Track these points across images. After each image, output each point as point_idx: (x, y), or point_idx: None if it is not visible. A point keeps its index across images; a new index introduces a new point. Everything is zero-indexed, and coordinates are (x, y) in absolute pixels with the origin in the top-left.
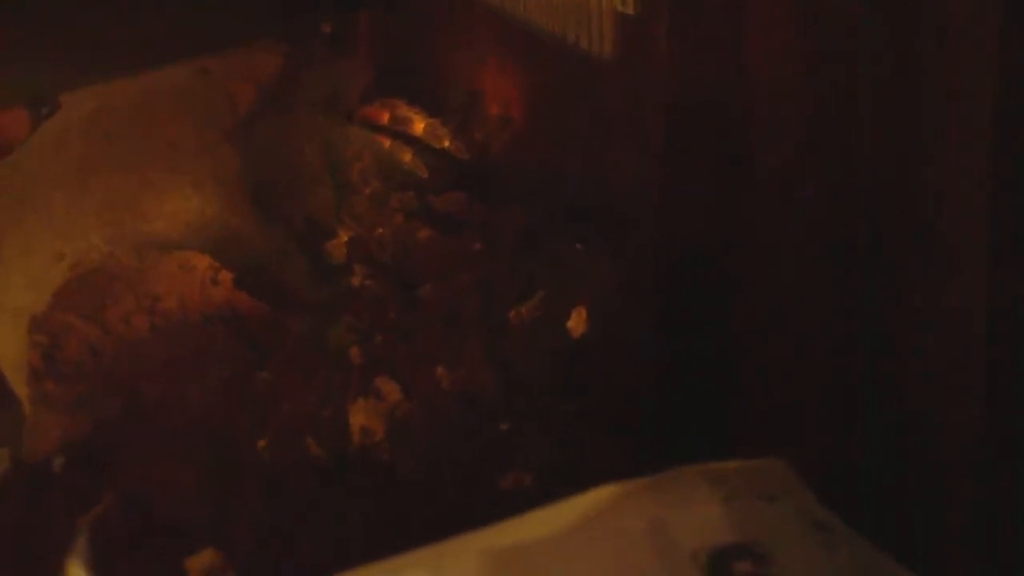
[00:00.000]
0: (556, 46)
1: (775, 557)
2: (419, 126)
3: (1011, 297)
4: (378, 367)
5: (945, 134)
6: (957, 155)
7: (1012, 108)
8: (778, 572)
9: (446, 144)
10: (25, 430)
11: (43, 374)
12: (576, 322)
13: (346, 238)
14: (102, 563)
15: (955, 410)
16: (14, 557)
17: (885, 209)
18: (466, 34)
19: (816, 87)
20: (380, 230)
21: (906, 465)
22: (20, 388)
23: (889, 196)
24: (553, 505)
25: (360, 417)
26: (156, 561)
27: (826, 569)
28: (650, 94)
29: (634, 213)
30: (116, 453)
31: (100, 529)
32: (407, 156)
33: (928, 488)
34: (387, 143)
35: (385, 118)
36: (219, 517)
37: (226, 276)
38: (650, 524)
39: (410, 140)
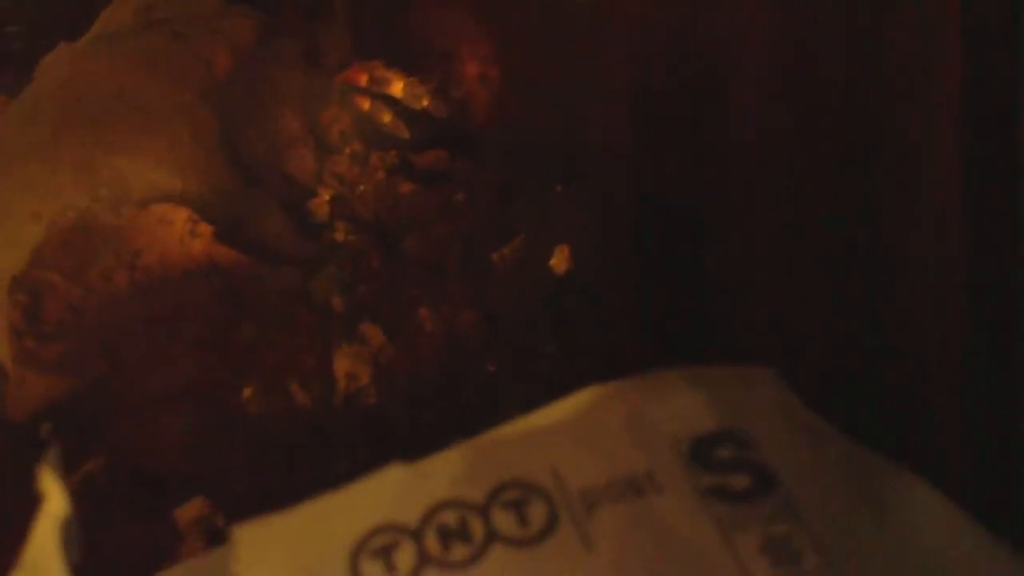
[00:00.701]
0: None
1: (759, 444)
2: (397, 87)
3: (985, 205)
4: (361, 314)
5: (912, 59)
6: (926, 69)
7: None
8: (762, 457)
9: (425, 103)
10: (7, 390)
11: (24, 333)
12: (559, 260)
13: (328, 196)
14: (92, 520)
15: (936, 315)
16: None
17: (856, 127)
18: None
19: (786, 25)
20: (362, 187)
21: (889, 371)
22: (3, 348)
23: (859, 112)
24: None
25: (344, 363)
26: (145, 514)
27: (814, 461)
28: (621, 42)
29: (611, 157)
30: (101, 410)
31: (88, 486)
32: (387, 117)
33: (912, 393)
34: (366, 104)
35: (364, 80)
36: (206, 467)
37: (205, 229)
38: (629, 416)
39: (389, 101)
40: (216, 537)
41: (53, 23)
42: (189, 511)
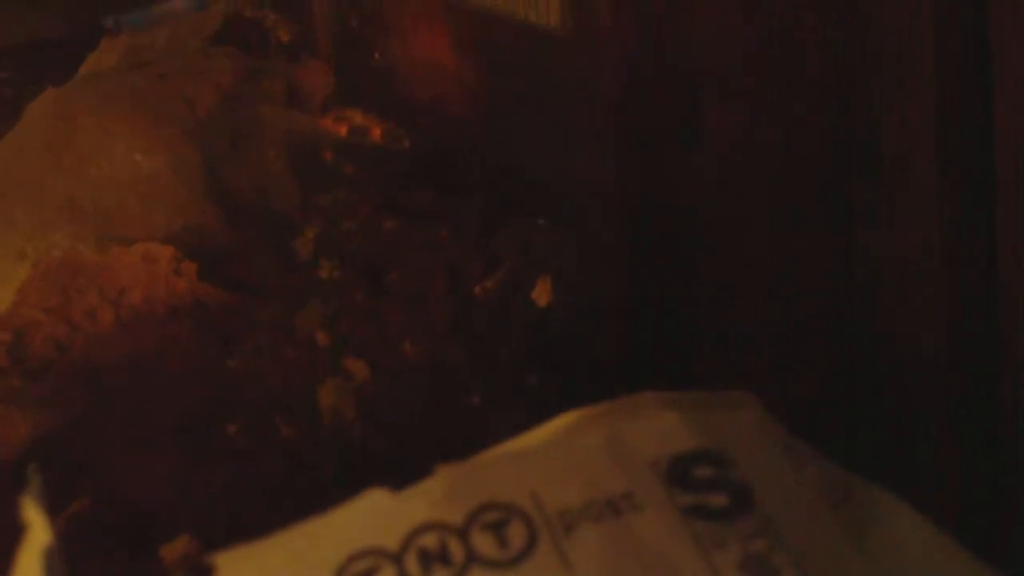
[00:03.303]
0: (509, 27)
1: (737, 463)
2: (377, 133)
3: (961, 218)
4: (345, 348)
5: (889, 68)
6: (900, 82)
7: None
8: (740, 476)
9: (406, 144)
10: None
11: (9, 371)
12: (540, 292)
13: (312, 234)
14: (79, 558)
15: (918, 330)
16: None
17: (833, 146)
18: (423, 30)
19: (759, 36)
20: (347, 224)
21: (872, 391)
22: None
23: (836, 130)
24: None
25: (329, 397)
26: (132, 552)
27: (792, 480)
28: (598, 66)
29: (593, 187)
30: (86, 447)
31: (75, 526)
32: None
33: (894, 414)
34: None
35: (343, 131)
36: (193, 504)
37: (189, 267)
38: (608, 437)
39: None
40: (202, 574)
41: (42, 70)
42: (175, 549)
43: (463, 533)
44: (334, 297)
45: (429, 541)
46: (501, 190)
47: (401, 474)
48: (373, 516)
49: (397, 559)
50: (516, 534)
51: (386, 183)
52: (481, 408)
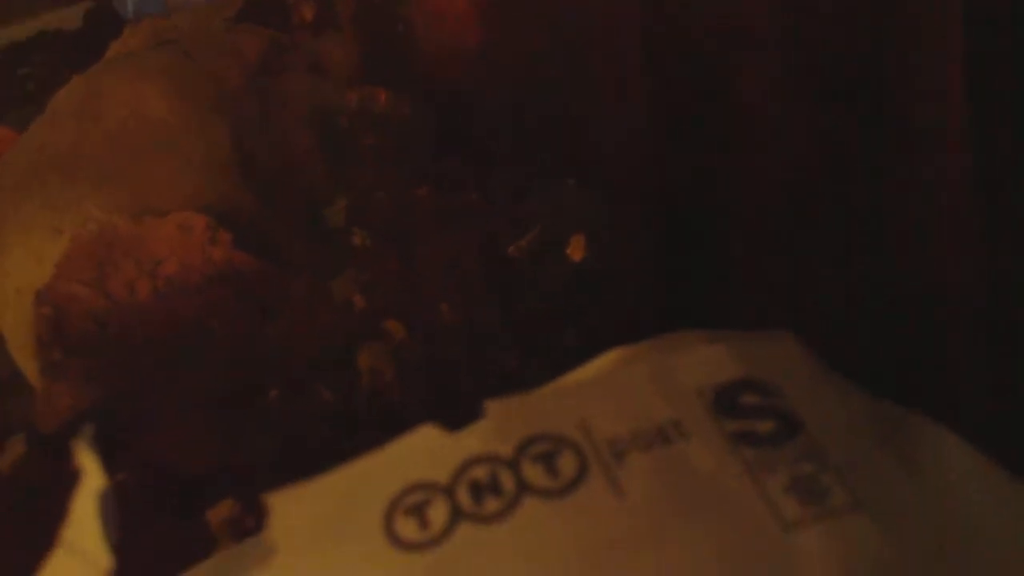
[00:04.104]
0: None
1: (782, 391)
2: (403, 104)
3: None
4: (382, 311)
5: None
6: (931, 42)
7: None
8: (787, 404)
9: (433, 114)
10: (36, 402)
11: (50, 344)
12: (575, 248)
13: (343, 204)
14: (126, 527)
15: (954, 277)
16: (36, 534)
17: (862, 99)
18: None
19: (795, 9)
20: (378, 193)
21: (908, 327)
22: (29, 363)
23: (868, 88)
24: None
25: (367, 359)
26: (179, 518)
27: (837, 407)
28: (624, 27)
29: (623, 147)
30: (129, 419)
31: (121, 494)
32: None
33: (932, 347)
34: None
35: (370, 103)
36: (237, 469)
37: (225, 236)
38: (653, 370)
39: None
40: (248, 537)
41: (64, 62)
42: (220, 512)
43: (514, 464)
44: (369, 264)
45: (480, 473)
46: (530, 154)
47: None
48: (423, 451)
49: (449, 491)
50: (567, 464)
51: (415, 152)
52: (518, 366)
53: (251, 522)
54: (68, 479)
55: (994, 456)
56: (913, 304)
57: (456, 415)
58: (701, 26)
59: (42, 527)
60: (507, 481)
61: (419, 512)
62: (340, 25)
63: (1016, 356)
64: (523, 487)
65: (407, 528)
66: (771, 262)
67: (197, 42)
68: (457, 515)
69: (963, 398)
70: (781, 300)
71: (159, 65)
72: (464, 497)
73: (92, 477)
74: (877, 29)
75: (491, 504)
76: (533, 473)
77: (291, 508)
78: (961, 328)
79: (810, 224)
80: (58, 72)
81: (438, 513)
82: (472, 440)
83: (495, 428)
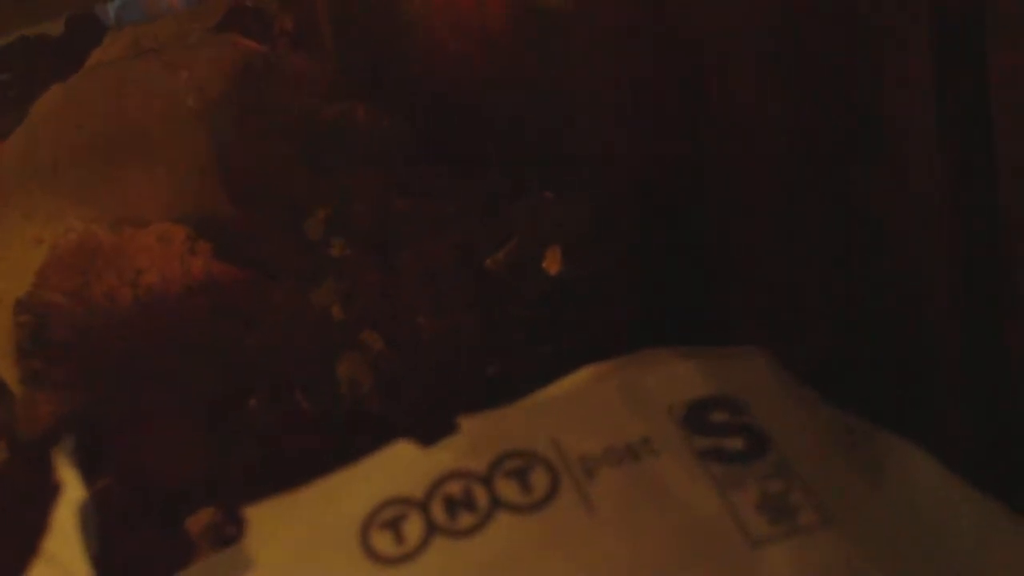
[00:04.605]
0: (510, 4)
1: (752, 409)
2: (383, 116)
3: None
4: (361, 322)
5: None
6: (898, 43)
7: None
8: (756, 421)
9: (412, 126)
10: (16, 411)
11: (30, 353)
12: (551, 261)
13: (323, 215)
14: (106, 535)
15: (925, 283)
16: (16, 541)
17: (837, 110)
18: (425, 13)
19: (774, 11)
20: (357, 204)
21: (879, 345)
22: (10, 371)
23: (840, 94)
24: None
25: (346, 369)
26: (159, 526)
27: (806, 424)
28: (609, 38)
29: (602, 157)
30: (110, 427)
31: (101, 502)
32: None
33: (903, 366)
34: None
35: (349, 114)
36: (217, 478)
37: (204, 246)
38: (624, 387)
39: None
40: (227, 545)
41: (45, 70)
42: (200, 520)
43: (487, 480)
44: (348, 274)
45: (454, 488)
46: (509, 166)
47: (420, 443)
48: (399, 466)
49: (423, 506)
50: (539, 480)
51: (394, 164)
52: (497, 377)
53: (232, 530)
54: (50, 489)
55: (969, 463)
56: (887, 303)
57: (433, 427)
58: (685, 28)
59: (24, 536)
60: (481, 497)
61: (395, 527)
62: (320, 36)
63: (990, 352)
64: (496, 503)
65: (383, 542)
66: (753, 276)
67: (178, 51)
68: (432, 530)
69: (932, 414)
70: (757, 309)
71: (139, 74)
72: (439, 512)
73: (72, 489)
74: (850, 25)
75: (465, 519)
76: (506, 489)
77: (269, 521)
78: (935, 320)
79: (787, 228)
80: (39, 79)
81: (413, 528)
82: (446, 456)
83: (469, 444)
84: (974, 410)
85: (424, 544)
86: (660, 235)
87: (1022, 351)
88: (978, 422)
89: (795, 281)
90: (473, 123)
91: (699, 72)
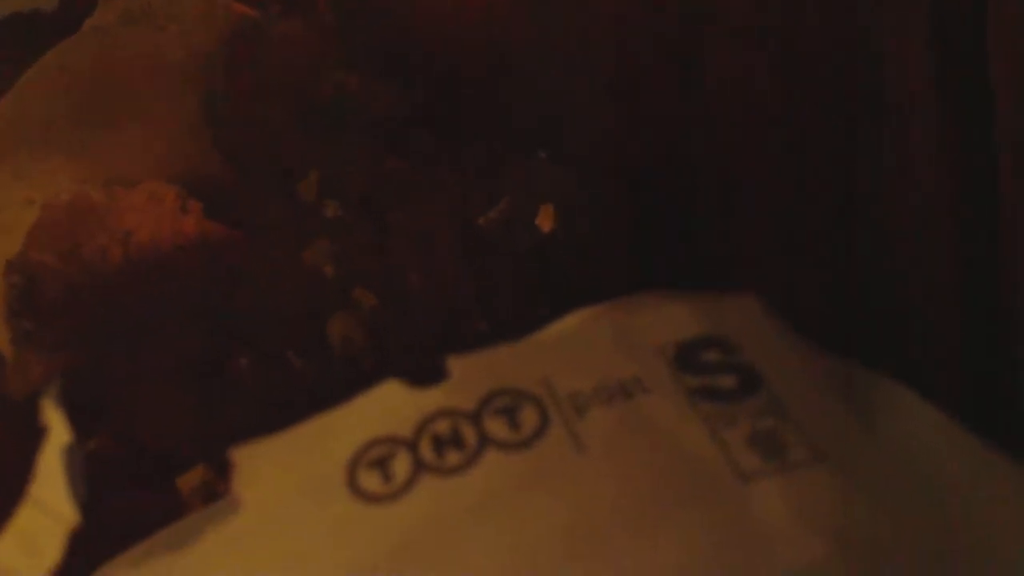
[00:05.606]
0: None
1: (744, 348)
2: (377, 81)
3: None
4: (353, 280)
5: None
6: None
7: None
8: (748, 360)
9: (406, 89)
10: (7, 371)
11: (20, 313)
12: (544, 218)
13: (316, 177)
14: (98, 495)
15: (923, 250)
16: (5, 491)
17: (833, 80)
18: None
19: None
20: (350, 167)
21: (874, 301)
22: (0, 333)
23: (836, 66)
24: None
25: (338, 327)
26: (149, 486)
27: (799, 365)
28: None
29: (592, 121)
30: (101, 388)
31: (92, 463)
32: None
33: (897, 323)
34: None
35: (343, 77)
36: (208, 437)
37: (195, 205)
38: (615, 328)
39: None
40: (219, 496)
41: (39, 45)
42: (191, 479)
43: (475, 418)
44: (340, 234)
45: (442, 427)
46: (502, 129)
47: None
48: (387, 406)
49: (411, 445)
50: (528, 417)
51: (389, 128)
52: (488, 334)
53: (223, 488)
54: (38, 439)
55: (963, 419)
56: (883, 275)
57: (424, 372)
58: (674, 9)
59: (11, 484)
60: (469, 434)
61: (382, 465)
62: (317, 4)
63: (986, 322)
64: (484, 440)
65: (370, 481)
66: (740, 232)
67: (170, 16)
68: (420, 468)
69: (931, 364)
70: (750, 268)
71: (129, 37)
72: (427, 450)
73: (57, 433)
74: (845, 7)
75: (453, 457)
76: (495, 426)
77: (256, 462)
78: (931, 296)
79: (779, 193)
80: (34, 56)
81: (400, 466)
82: (435, 395)
83: (458, 383)
84: (969, 361)
85: (411, 482)
86: (650, 201)
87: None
88: (973, 373)
89: (787, 243)
90: (469, 90)
91: (693, 46)
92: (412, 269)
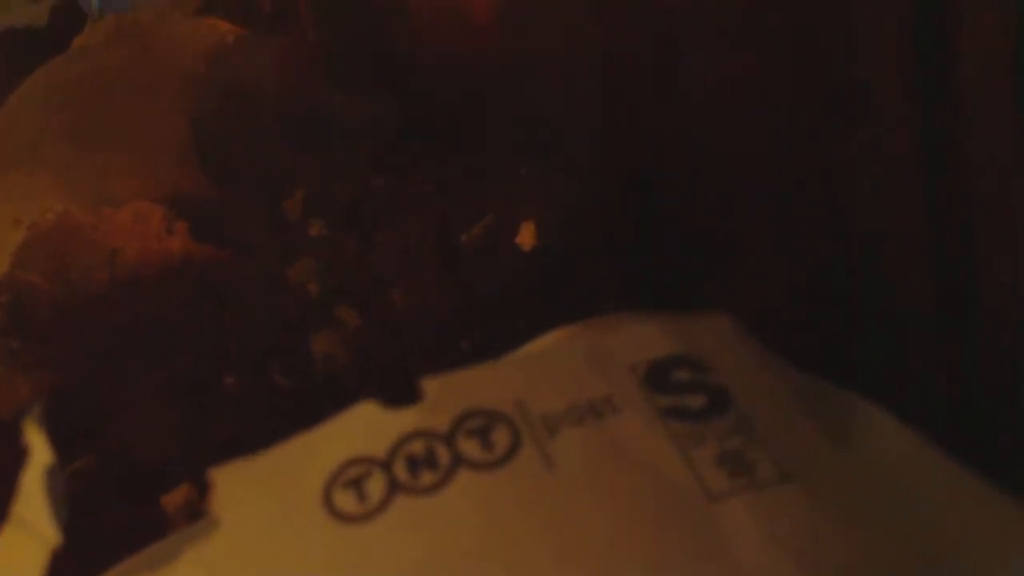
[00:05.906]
0: None
1: (714, 367)
2: (364, 98)
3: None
4: (337, 298)
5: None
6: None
7: None
8: (718, 380)
9: (391, 106)
10: None
11: (7, 332)
12: (525, 236)
13: (301, 195)
14: (83, 514)
15: (896, 249)
16: None
17: (810, 74)
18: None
19: None
20: (335, 184)
21: (852, 313)
22: None
23: (812, 62)
24: None
25: (322, 345)
26: (135, 505)
27: (769, 385)
28: (586, 13)
29: (575, 132)
30: (87, 407)
31: (78, 482)
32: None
33: (875, 338)
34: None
35: (328, 95)
36: (194, 456)
37: (181, 225)
38: (588, 346)
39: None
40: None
41: (30, 61)
42: (176, 497)
43: (449, 439)
44: (324, 253)
45: (416, 447)
46: (484, 143)
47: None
48: (362, 427)
49: (386, 465)
50: (500, 438)
51: (373, 143)
52: (471, 353)
53: (206, 508)
54: (23, 458)
55: (935, 428)
56: (860, 286)
57: (400, 393)
58: (649, 13)
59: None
60: (442, 455)
61: (357, 485)
62: (299, 17)
63: (958, 337)
64: (458, 460)
65: (345, 501)
66: (722, 245)
67: (158, 36)
68: (394, 488)
69: (906, 369)
70: (729, 283)
71: (116, 57)
72: (401, 471)
73: (39, 453)
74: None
75: (427, 477)
76: (468, 446)
77: (234, 483)
78: (902, 313)
79: (761, 201)
80: (26, 70)
81: (375, 486)
82: (409, 416)
83: (432, 404)
84: (945, 382)
85: (386, 502)
86: (635, 210)
87: (994, 323)
88: (949, 391)
89: (770, 254)
90: (451, 102)
91: (673, 43)
92: (395, 287)
